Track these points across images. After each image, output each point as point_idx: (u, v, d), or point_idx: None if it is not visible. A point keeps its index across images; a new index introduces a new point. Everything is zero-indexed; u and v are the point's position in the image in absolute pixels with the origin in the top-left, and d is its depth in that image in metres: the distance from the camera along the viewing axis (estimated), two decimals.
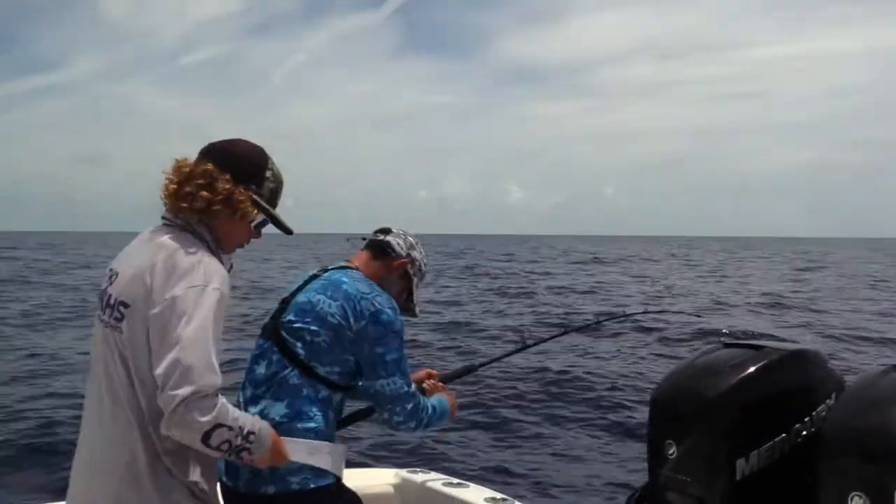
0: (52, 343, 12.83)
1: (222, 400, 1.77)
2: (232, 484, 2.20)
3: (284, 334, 2.25)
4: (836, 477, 1.81)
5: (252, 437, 1.86)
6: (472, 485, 3.29)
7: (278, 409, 2.17)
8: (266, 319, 2.37)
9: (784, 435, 2.09)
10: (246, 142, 2.08)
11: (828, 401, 2.16)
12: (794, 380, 2.19)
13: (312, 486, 2.16)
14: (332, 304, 2.24)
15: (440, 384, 2.81)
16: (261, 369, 2.26)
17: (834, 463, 1.83)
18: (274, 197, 2.09)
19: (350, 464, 2.37)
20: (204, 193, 1.94)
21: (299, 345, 2.23)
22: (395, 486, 3.32)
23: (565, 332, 4.05)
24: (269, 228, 2.11)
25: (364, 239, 2.53)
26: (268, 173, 2.06)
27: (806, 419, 2.13)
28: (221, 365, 1.86)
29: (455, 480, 3.31)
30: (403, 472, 3.39)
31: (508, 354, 3.64)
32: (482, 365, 3.27)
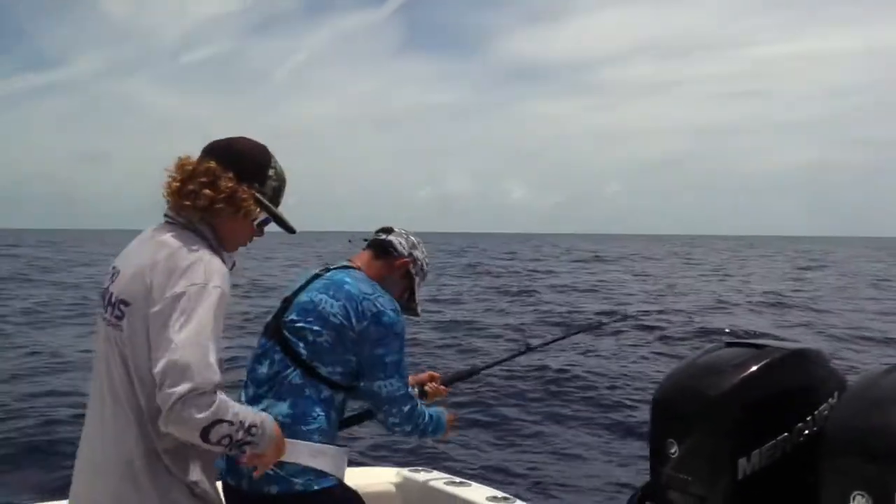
0: (52, 341, 12.84)
1: (221, 396, 1.76)
2: (235, 483, 2.20)
3: (287, 334, 2.25)
4: (838, 476, 1.81)
5: (254, 430, 1.84)
6: (474, 484, 3.29)
7: (281, 410, 2.17)
8: (268, 318, 2.37)
9: (786, 434, 2.09)
10: (249, 140, 2.08)
11: (830, 400, 2.16)
12: (796, 379, 2.19)
13: (316, 487, 2.16)
14: (335, 305, 2.24)
15: (442, 387, 2.81)
16: (263, 368, 2.27)
17: (836, 462, 1.83)
18: (277, 195, 2.08)
19: (352, 463, 2.37)
20: (207, 191, 1.94)
21: (301, 345, 2.23)
22: (397, 486, 3.32)
23: (564, 337, 4.02)
24: (272, 227, 2.10)
25: (366, 239, 2.54)
26: (271, 171, 2.06)
27: (808, 418, 2.13)
28: (223, 363, 1.86)
29: (457, 479, 3.31)
30: (405, 472, 3.39)
31: (511, 357, 3.63)
32: (485, 368, 3.26)
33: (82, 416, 2.03)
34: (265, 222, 2.07)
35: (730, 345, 2.31)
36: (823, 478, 1.85)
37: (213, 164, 1.97)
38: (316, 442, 2.19)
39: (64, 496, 2.15)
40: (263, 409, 2.17)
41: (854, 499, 1.75)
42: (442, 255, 45.41)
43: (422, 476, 3.33)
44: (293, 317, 2.27)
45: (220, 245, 2.00)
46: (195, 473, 1.92)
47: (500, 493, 3.18)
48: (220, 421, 1.75)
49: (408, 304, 2.50)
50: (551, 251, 61.43)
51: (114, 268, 1.99)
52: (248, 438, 1.82)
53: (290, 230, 2.11)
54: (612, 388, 9.57)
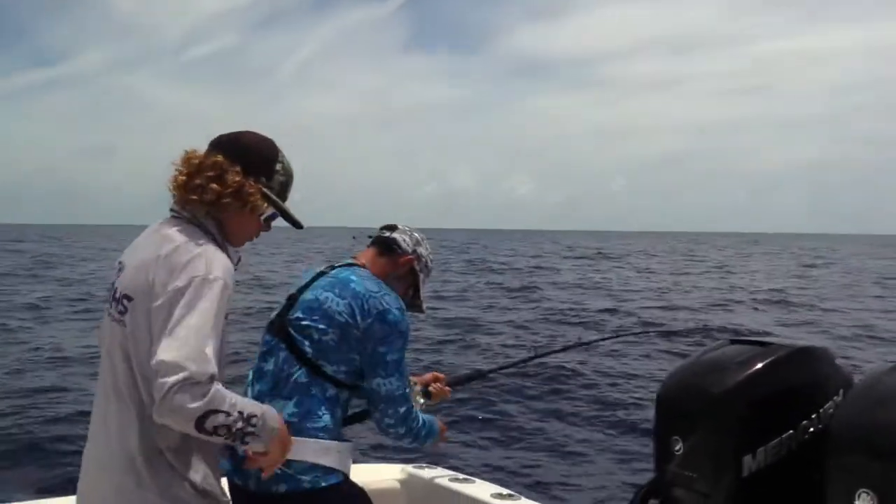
0: (55, 336, 12.87)
1: (217, 387, 1.73)
2: (242, 483, 2.20)
3: (292, 332, 2.25)
4: (844, 474, 1.80)
5: (255, 420, 1.81)
6: (478, 480, 3.30)
7: (287, 408, 2.17)
8: (272, 315, 2.37)
9: (791, 432, 2.09)
10: (256, 134, 2.06)
11: (835, 398, 2.15)
12: (802, 376, 2.18)
13: (323, 484, 2.16)
14: (340, 303, 2.24)
15: (447, 388, 2.81)
16: (268, 366, 2.26)
17: (841, 460, 1.83)
18: (284, 190, 2.07)
19: (356, 460, 2.37)
20: (214, 186, 1.93)
21: (307, 343, 2.23)
22: (402, 482, 3.33)
23: (573, 346, 4.01)
24: (277, 221, 2.09)
25: (370, 236, 2.53)
26: (278, 166, 2.04)
27: (813, 416, 2.12)
28: (225, 356, 1.84)
29: (461, 476, 3.32)
30: (410, 468, 3.39)
31: (517, 363, 3.63)
32: (491, 371, 3.26)
33: (84, 413, 2.03)
34: (272, 217, 2.06)
35: (734, 342, 2.30)
36: (829, 475, 1.84)
37: (220, 158, 1.96)
38: (322, 439, 2.19)
39: (65, 493, 2.15)
40: None
41: (859, 496, 1.74)
42: (444, 251, 45.43)
43: (426, 473, 3.33)
44: (299, 315, 2.27)
45: (226, 240, 1.99)
46: (199, 470, 1.90)
47: (504, 490, 3.18)
48: (216, 411, 1.72)
49: (412, 301, 2.50)
50: (554, 248, 61.43)
51: (120, 262, 1.99)
52: (249, 429, 1.80)
53: (298, 225, 2.10)
54: (615, 385, 9.58)
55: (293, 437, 2.05)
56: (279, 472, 2.07)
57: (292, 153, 2.10)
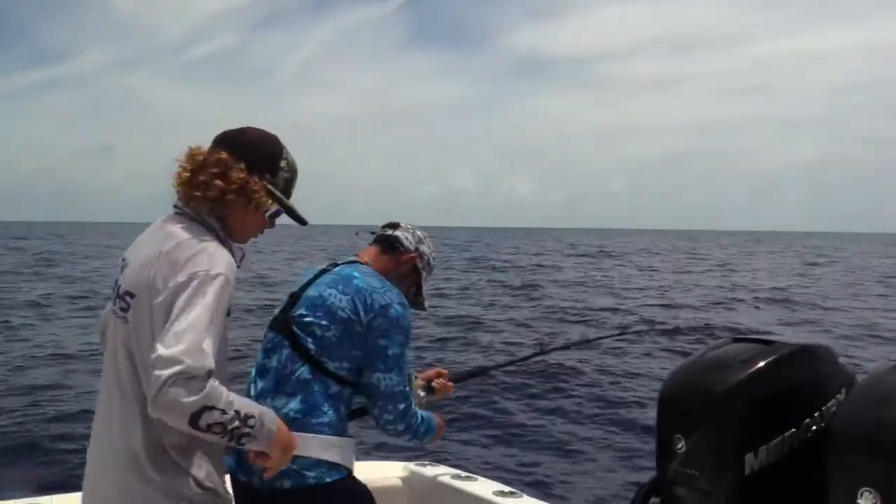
0: (57, 334, 12.89)
1: (214, 383, 1.71)
2: (246, 479, 2.20)
3: (295, 328, 2.26)
4: (846, 472, 1.80)
5: (252, 422, 1.79)
6: (480, 478, 3.30)
7: (292, 405, 2.18)
8: (275, 312, 2.37)
9: (793, 430, 2.09)
10: (260, 130, 2.06)
11: (838, 396, 2.15)
12: (804, 375, 2.18)
13: (328, 479, 2.17)
14: (343, 299, 2.25)
15: (450, 384, 2.81)
16: (272, 363, 2.27)
17: (844, 458, 1.82)
18: (288, 187, 2.06)
19: (358, 457, 2.38)
20: (218, 182, 1.92)
21: (310, 340, 2.23)
22: (404, 479, 3.33)
23: (580, 343, 4.01)
24: (281, 218, 2.09)
25: (373, 232, 2.54)
26: (282, 163, 2.04)
27: (815, 414, 2.12)
28: (227, 352, 1.84)
29: (463, 473, 3.32)
30: (412, 465, 3.40)
31: (523, 360, 3.63)
32: (494, 368, 3.26)
33: (86, 410, 2.03)
34: (276, 214, 2.05)
35: (737, 340, 2.30)
36: (831, 474, 1.84)
37: (224, 154, 1.95)
38: (327, 435, 2.19)
39: (66, 490, 2.16)
40: (274, 405, 2.17)
41: (862, 495, 1.74)
42: (446, 249, 45.45)
43: (429, 470, 3.34)
44: (302, 311, 2.27)
45: (229, 236, 1.99)
46: (202, 468, 1.90)
47: (506, 488, 3.19)
48: (211, 408, 1.69)
49: (415, 298, 2.50)
50: (556, 246, 61.42)
51: (123, 259, 1.99)
52: (245, 430, 1.77)
53: (302, 222, 2.09)
54: (616, 383, 9.58)
55: (298, 434, 2.05)
56: (284, 467, 2.07)
57: (292, 153, 2.10)
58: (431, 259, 2.54)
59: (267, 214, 2.03)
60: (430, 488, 3.25)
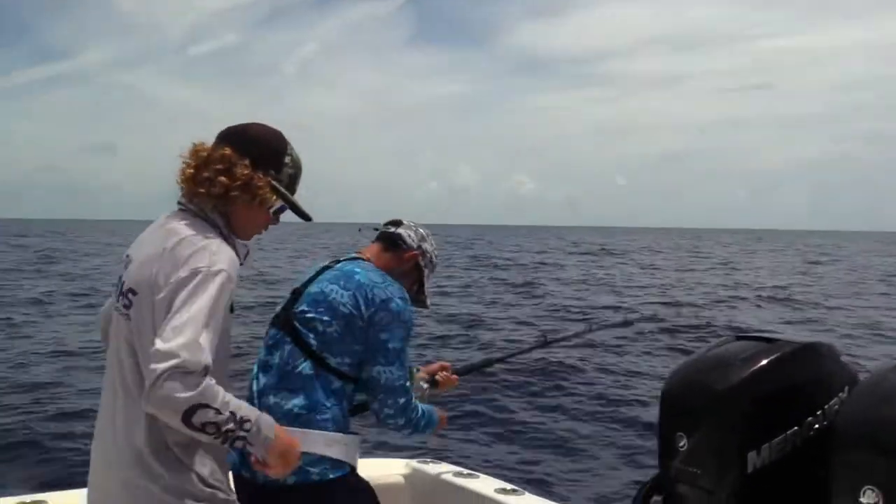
0: (59, 331, 12.90)
1: (210, 381, 1.69)
2: (249, 475, 2.20)
3: (297, 324, 2.26)
4: (849, 470, 1.80)
5: (248, 426, 1.76)
6: (482, 475, 3.31)
7: (295, 401, 2.18)
8: (277, 309, 2.37)
9: (796, 428, 2.09)
10: (265, 126, 2.05)
11: (840, 394, 2.15)
12: (807, 373, 2.18)
13: (331, 476, 2.17)
14: (345, 294, 2.25)
15: (454, 376, 2.81)
16: (274, 360, 2.27)
17: (846, 456, 1.82)
18: (293, 183, 2.05)
19: (360, 454, 2.38)
20: (222, 178, 1.91)
21: (312, 335, 2.23)
22: (406, 477, 3.34)
23: (584, 333, 3.98)
24: (285, 215, 2.08)
25: (376, 229, 2.54)
26: (287, 159, 2.03)
27: (818, 413, 2.12)
28: (230, 349, 1.83)
29: (465, 471, 3.33)
30: (414, 463, 3.40)
31: (527, 350, 3.61)
32: (499, 360, 3.24)
33: (87, 408, 2.03)
34: (281, 210, 2.04)
35: (739, 338, 2.30)
36: (833, 472, 1.84)
37: (228, 150, 1.94)
38: (331, 431, 2.19)
39: (68, 487, 2.15)
40: (277, 401, 2.17)
41: (864, 493, 1.74)
42: (448, 247, 45.42)
43: (431, 468, 3.34)
44: (304, 308, 2.27)
45: (233, 233, 1.98)
46: (206, 465, 1.89)
47: (508, 485, 3.19)
48: (206, 406, 1.67)
49: (417, 296, 2.50)
50: (559, 244, 61.39)
51: (127, 256, 1.98)
52: (240, 433, 1.75)
53: (306, 218, 2.07)
54: (618, 381, 9.58)
55: (302, 430, 2.04)
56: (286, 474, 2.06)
57: (296, 148, 2.10)
58: (434, 257, 2.54)
59: (271, 211, 2.02)
60: (433, 486, 3.25)
